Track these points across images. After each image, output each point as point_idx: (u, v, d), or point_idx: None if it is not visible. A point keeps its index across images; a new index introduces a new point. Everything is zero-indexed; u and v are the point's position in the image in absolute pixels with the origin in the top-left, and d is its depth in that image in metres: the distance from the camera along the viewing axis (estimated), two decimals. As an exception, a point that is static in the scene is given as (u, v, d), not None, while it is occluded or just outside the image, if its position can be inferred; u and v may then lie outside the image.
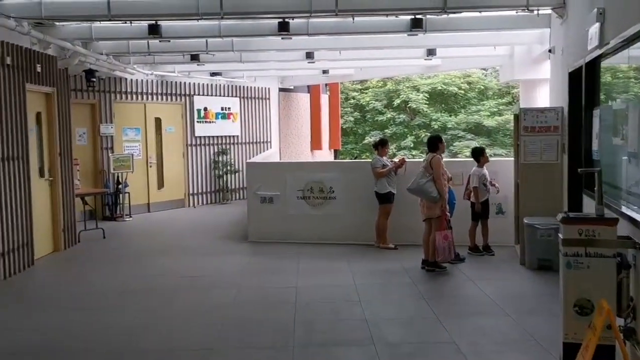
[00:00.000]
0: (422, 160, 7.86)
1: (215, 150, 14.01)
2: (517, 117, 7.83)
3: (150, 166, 12.70)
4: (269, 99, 15.38)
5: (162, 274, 7.31)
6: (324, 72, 14.04)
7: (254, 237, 9.22)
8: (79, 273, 7.52)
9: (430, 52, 10.89)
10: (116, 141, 12.03)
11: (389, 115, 26.39)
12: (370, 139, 26.47)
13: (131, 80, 12.25)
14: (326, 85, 17.57)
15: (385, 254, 8.15)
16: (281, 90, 15.80)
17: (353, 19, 7.69)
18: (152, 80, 12.64)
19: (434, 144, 7.21)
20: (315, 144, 16.84)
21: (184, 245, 9.08)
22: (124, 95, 12.15)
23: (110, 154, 11.57)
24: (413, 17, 8.01)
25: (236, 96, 14.50)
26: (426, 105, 26.41)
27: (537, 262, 6.95)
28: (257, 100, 15.07)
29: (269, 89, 15.37)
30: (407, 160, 8.55)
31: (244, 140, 14.73)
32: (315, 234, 8.98)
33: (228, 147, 14.30)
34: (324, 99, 17.29)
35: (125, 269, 7.61)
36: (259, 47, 10.06)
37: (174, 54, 10.39)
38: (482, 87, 27.78)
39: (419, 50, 11.09)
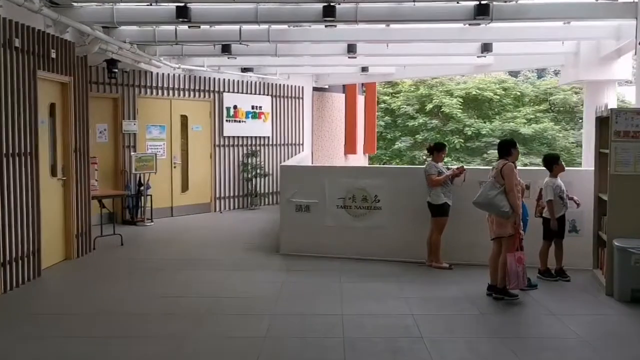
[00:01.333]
0: (488, 168, 6.77)
1: (245, 151, 13.07)
2: (601, 121, 6.69)
3: (175, 167, 11.80)
4: (302, 98, 14.39)
5: (183, 293, 6.31)
6: (363, 69, 12.99)
7: (286, 249, 8.21)
8: (89, 288, 6.56)
9: (486, 48, 9.76)
10: (139, 139, 11.15)
11: (420, 120, 25.53)
12: (401, 144, 25.52)
13: (157, 74, 11.36)
14: (362, 85, 16.52)
15: (440, 275, 7.06)
16: (315, 89, 14.81)
17: (414, 2, 6.63)
18: (179, 75, 11.75)
19: (506, 149, 6.07)
20: (350, 147, 15.78)
21: (208, 257, 8.09)
22: (148, 90, 11.28)
23: (132, 153, 10.68)
24: (479, 2, 6.95)
25: (268, 94, 13.54)
26: (460, 111, 25.40)
27: (630, 293, 5.80)
28: (289, 100, 14.10)
29: (302, 87, 14.38)
30: (466, 168, 7.43)
31: (275, 142, 13.76)
32: (356, 248, 7.94)
33: (258, 148, 13.35)
34: (360, 100, 16.24)
35: (142, 285, 6.64)
36: (297, 37, 9.06)
37: (203, 44, 9.46)
38: (518, 93, 26.65)
39: (472, 46, 9.98)
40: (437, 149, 7.51)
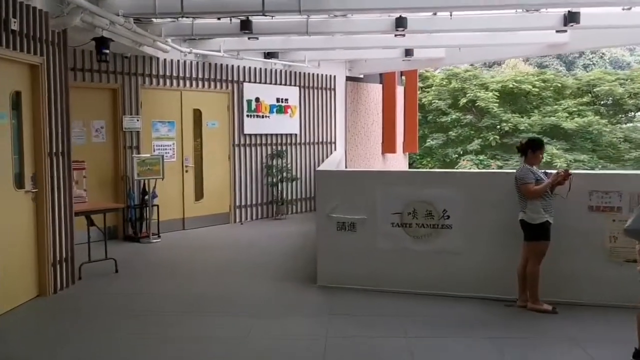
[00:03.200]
0: (598, 172, 4.76)
1: (269, 152, 11.18)
2: None
3: (187, 171, 9.95)
4: (334, 89, 12.45)
5: None
6: (407, 53, 10.98)
7: (326, 279, 6.29)
8: (53, 347, 4.71)
9: (572, 18, 7.70)
10: (143, 139, 9.32)
11: (453, 116, 23.92)
12: (432, 142, 23.68)
13: (164, 60, 9.52)
14: (402, 74, 14.50)
15: (545, 324, 5.06)
16: (349, 79, 12.85)
17: None
18: (190, 62, 9.89)
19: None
20: (388, 146, 13.79)
21: (224, 293, 6.20)
22: (154, 80, 9.43)
23: (133, 156, 8.85)
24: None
25: (295, 85, 11.63)
26: (496, 105, 23.55)
27: None
28: (320, 91, 12.16)
29: (334, 77, 12.43)
30: (572, 173, 5.40)
31: (303, 140, 11.85)
32: (419, 279, 5.99)
33: (284, 148, 11.45)
34: (400, 91, 14.23)
35: (129, 344, 4.76)
36: (333, 6, 7.11)
37: (216, 16, 7.58)
38: (559, 85, 24.64)
39: (550, 19, 7.93)
40: (532, 147, 5.50)
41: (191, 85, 9.94)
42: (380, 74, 13.67)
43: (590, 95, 25.02)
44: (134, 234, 8.97)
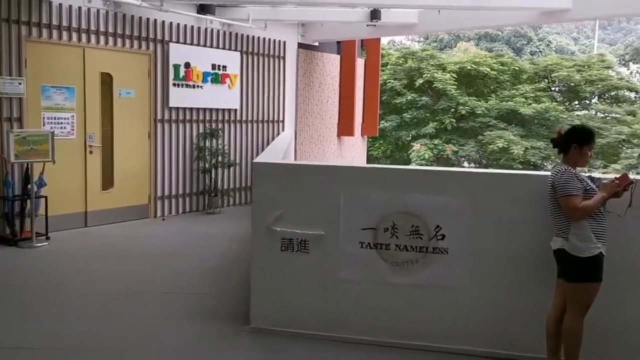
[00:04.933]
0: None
1: (201, 130, 9.06)
2: None
3: (91, 152, 7.74)
4: (283, 57, 10.39)
5: None
6: (373, 16, 9.02)
7: (262, 319, 4.34)
8: None
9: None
10: (29, 108, 7.05)
11: (409, 97, 22.32)
12: (386, 124, 22.21)
13: (59, 5, 7.22)
14: (362, 44, 12.53)
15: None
16: (301, 46, 10.80)
17: None
18: (97, 10, 7.62)
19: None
20: (345, 127, 11.84)
21: (112, 343, 4.15)
22: (44, 31, 7.13)
23: (9, 130, 6.58)
24: None
25: (236, 49, 9.50)
26: (454, 87, 22.30)
27: None
28: (267, 59, 10.08)
29: (284, 42, 10.37)
30: (633, 179, 3.58)
31: (244, 117, 9.77)
32: (397, 325, 4.14)
33: (221, 126, 9.35)
34: (360, 64, 12.27)
35: None
36: None
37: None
38: (517, 69, 23.62)
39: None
40: (578, 140, 3.61)
41: (98, 41, 7.67)
42: (338, 43, 11.67)
43: (547, 80, 24.20)
44: (11, 235, 6.73)
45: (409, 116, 22.36)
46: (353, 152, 12.52)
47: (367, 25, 9.67)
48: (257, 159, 4.89)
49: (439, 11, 8.54)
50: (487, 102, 22.63)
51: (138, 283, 5.46)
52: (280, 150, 6.04)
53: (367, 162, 13.67)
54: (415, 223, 4.10)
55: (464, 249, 4.04)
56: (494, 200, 4.00)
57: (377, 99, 12.75)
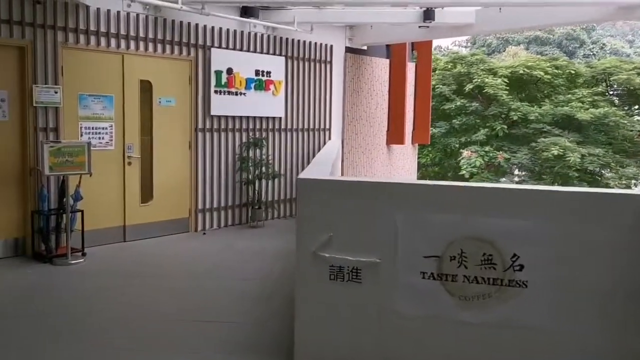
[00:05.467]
0: None
1: (244, 140, 8.63)
2: None
3: (130, 163, 7.40)
4: (330, 62, 9.88)
5: None
6: (426, 16, 8.41)
7: (308, 356, 3.80)
8: None
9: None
10: (65, 118, 6.75)
11: (458, 103, 21.70)
12: (434, 130, 21.50)
13: (97, 10, 6.91)
14: (413, 48, 11.89)
15: None
16: (349, 50, 10.27)
17: None
18: (137, 15, 7.29)
19: None
20: (395, 135, 11.22)
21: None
22: (81, 36, 6.82)
23: (43, 141, 6.27)
24: None
25: (281, 54, 9.05)
26: (505, 92, 21.46)
27: None
28: (313, 64, 9.59)
29: (331, 46, 9.86)
30: None
31: (289, 126, 9.30)
32: (467, 371, 3.52)
33: (264, 135, 8.91)
34: (410, 69, 11.64)
35: None
36: None
37: None
38: (572, 73, 22.53)
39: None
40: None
41: (137, 47, 7.33)
42: (388, 46, 11.08)
43: (604, 84, 23.04)
44: (45, 251, 6.42)
45: (458, 122, 21.70)
46: (403, 161, 11.88)
47: (420, 27, 9.06)
48: (302, 175, 4.35)
49: (500, 9, 7.86)
50: (540, 107, 21.75)
51: (173, 307, 5.01)
52: (327, 163, 5.48)
53: (417, 171, 13.01)
54: (487, 251, 3.49)
55: (546, 281, 3.40)
56: (584, 224, 3.35)
57: (428, 105, 12.08)
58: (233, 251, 7.17)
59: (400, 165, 11.81)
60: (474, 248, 3.50)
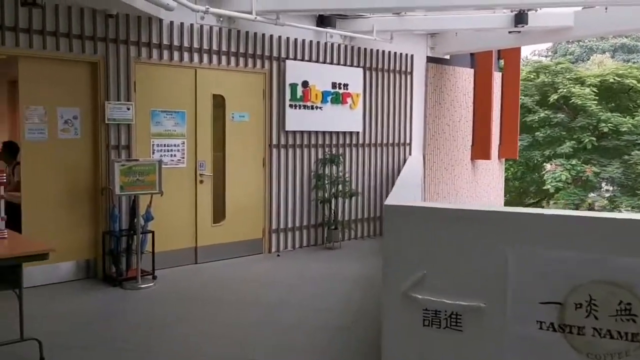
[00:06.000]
0: None
1: (320, 156, 8.18)
2: None
3: (202, 181, 7.10)
4: (411, 73, 9.30)
5: None
6: (518, 20, 7.68)
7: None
8: None
9: None
10: (138, 135, 6.53)
11: (541, 115, 20.39)
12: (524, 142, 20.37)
13: (169, 23, 6.68)
14: (499, 57, 11.09)
15: None
16: (431, 60, 9.64)
17: None
18: (210, 27, 7.01)
19: None
20: (480, 150, 10.45)
21: None
22: (154, 51, 6.60)
23: (115, 160, 6.05)
24: None
25: (359, 65, 8.56)
26: (594, 102, 20.01)
27: None
28: (392, 75, 9.04)
29: (412, 56, 9.28)
30: None
31: (367, 141, 8.78)
32: None
33: (341, 151, 8.42)
34: (497, 79, 10.86)
35: None
36: None
37: None
38: None
39: None
40: None
41: (210, 61, 7.05)
42: (472, 55, 10.36)
43: None
44: (116, 275, 6.17)
45: (542, 135, 20.43)
46: (489, 178, 11.06)
47: (510, 32, 8.33)
48: (390, 199, 3.78)
49: (606, 8, 7.01)
50: (633, 117, 20.19)
51: (245, 341, 4.56)
52: (416, 185, 4.90)
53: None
54: (624, 298, 2.79)
55: None
56: None
57: (516, 117, 11.22)
58: (308, 275, 6.68)
59: (486, 182, 10.99)
60: (606, 294, 2.82)
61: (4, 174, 4.33)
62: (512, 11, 7.77)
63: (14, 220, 5.80)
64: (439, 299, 3.11)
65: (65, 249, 6.07)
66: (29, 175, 5.93)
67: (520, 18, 7.70)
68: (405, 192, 4.41)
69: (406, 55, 9.20)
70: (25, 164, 5.94)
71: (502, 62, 11.25)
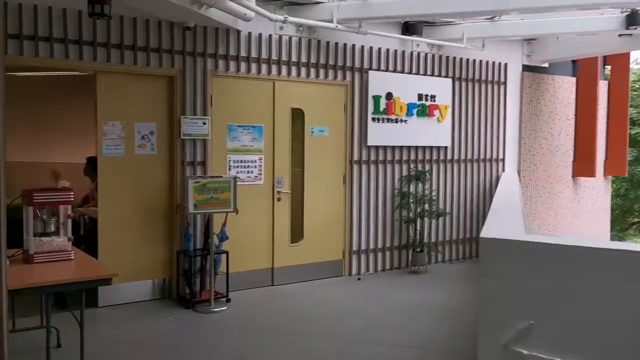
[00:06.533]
0: None
1: (404, 172, 7.65)
2: None
3: (279, 199, 6.76)
4: (504, 83, 8.59)
5: None
6: (631, 22, 6.83)
7: None
8: None
9: None
10: (214, 150, 6.30)
11: None
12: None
13: (247, 34, 6.42)
14: (604, 62, 10.10)
15: None
16: (527, 68, 8.88)
17: None
18: (289, 38, 6.70)
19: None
20: (583, 166, 9.50)
21: None
22: (231, 63, 6.36)
23: (189, 177, 5.83)
24: None
25: (447, 76, 7.98)
26: None
27: None
28: (484, 85, 8.38)
29: (505, 65, 8.57)
30: None
31: (456, 156, 8.15)
32: None
33: (428, 167, 7.85)
34: (603, 88, 9.88)
35: None
36: None
37: None
38: None
39: None
40: None
41: (289, 72, 6.73)
42: (574, 62, 9.47)
43: None
44: (190, 297, 5.93)
45: (653, 149, 18.81)
46: (593, 197, 10.05)
47: (620, 36, 7.47)
48: (487, 231, 3.21)
49: None
50: None
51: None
52: (516, 211, 4.26)
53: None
54: None
55: None
56: None
57: (625, 130, 10.15)
58: (390, 304, 6.15)
59: (590, 201, 9.99)
60: None
61: (72, 193, 4.17)
62: (622, 11, 6.93)
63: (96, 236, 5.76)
64: (549, 357, 2.52)
65: (141, 267, 5.94)
66: (105, 192, 5.82)
67: (632, 19, 6.85)
68: (505, 219, 3.79)
69: (499, 64, 8.50)
70: (102, 180, 5.84)
71: (608, 68, 10.22)
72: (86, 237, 6.06)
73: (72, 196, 4.12)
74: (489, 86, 8.42)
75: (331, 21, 6.36)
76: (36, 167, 9.21)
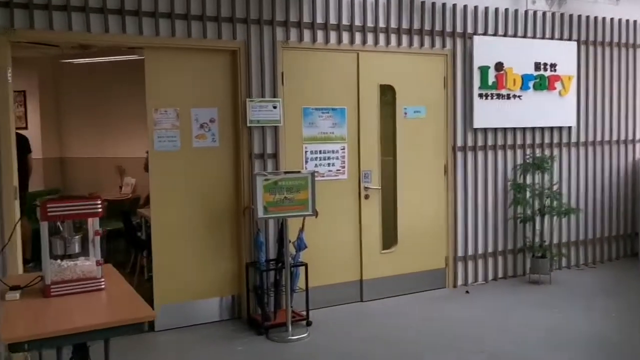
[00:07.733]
0: None
1: (519, 160, 6.22)
2: None
3: (367, 197, 5.54)
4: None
5: None
6: None
7: None
8: None
9: None
10: (287, 139, 5.16)
11: None
12: None
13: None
14: None
15: None
16: (668, 27, 7.16)
17: None
18: (375, 0, 5.44)
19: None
20: None
21: None
22: (306, 32, 5.18)
23: (256, 173, 4.71)
24: None
25: (571, 39, 6.45)
26: None
27: None
28: (616, 50, 6.78)
29: (642, 23, 6.92)
30: None
31: (583, 138, 6.63)
32: None
33: (548, 153, 6.37)
34: None
35: None
36: None
37: None
38: None
39: None
40: None
41: (376, 41, 5.46)
42: None
43: None
44: (262, 319, 4.84)
45: None
46: None
47: None
48: None
49: None
50: None
51: None
52: None
53: None
54: None
55: None
56: None
57: None
58: (512, 327, 4.80)
59: None
60: None
61: (99, 202, 3.13)
62: None
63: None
64: None
65: (203, 283, 4.94)
66: (158, 193, 4.83)
67: None
68: None
69: (634, 22, 6.85)
70: (154, 179, 4.85)
71: None
72: (149, 242, 5.09)
73: (99, 206, 3.08)
74: (625, 51, 6.80)
75: (428, -27, 5.04)
76: (100, 163, 8.52)
